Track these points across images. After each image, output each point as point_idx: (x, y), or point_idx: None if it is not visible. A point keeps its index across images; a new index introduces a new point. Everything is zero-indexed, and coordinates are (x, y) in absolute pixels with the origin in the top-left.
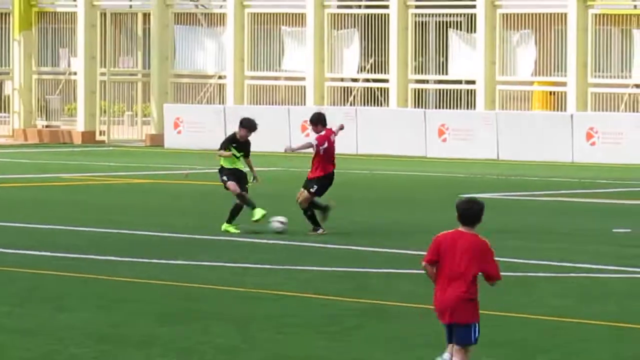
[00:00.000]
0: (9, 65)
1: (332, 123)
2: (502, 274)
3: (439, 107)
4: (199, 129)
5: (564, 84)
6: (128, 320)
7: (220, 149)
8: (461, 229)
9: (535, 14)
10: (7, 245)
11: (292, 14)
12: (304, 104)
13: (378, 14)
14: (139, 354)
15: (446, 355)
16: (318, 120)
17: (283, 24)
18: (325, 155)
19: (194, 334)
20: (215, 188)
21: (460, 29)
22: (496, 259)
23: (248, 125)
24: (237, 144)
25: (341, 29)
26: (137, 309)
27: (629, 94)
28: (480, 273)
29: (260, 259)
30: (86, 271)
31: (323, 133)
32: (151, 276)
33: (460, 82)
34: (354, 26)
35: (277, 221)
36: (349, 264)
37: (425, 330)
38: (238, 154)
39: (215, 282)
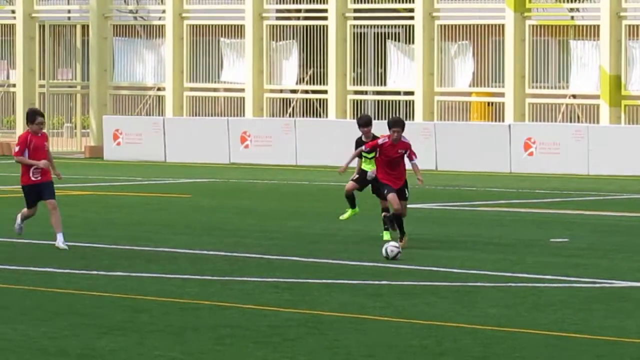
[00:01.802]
0: None
1: (272, 133)
2: (439, 284)
3: (378, 119)
4: (138, 141)
5: (501, 95)
6: (67, 333)
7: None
8: None
9: (473, 25)
10: None
11: (231, 26)
12: (243, 115)
13: (316, 26)
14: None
15: None
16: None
17: (222, 36)
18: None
19: (133, 346)
20: (154, 199)
21: (399, 40)
22: (433, 268)
23: (363, 121)
24: (363, 144)
25: (280, 40)
26: (76, 321)
27: (566, 105)
28: None
29: (199, 270)
30: (25, 283)
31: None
32: (90, 288)
33: (398, 93)
34: (293, 38)
35: (392, 246)
36: (289, 275)
37: (365, 341)
38: (369, 156)
39: (154, 293)
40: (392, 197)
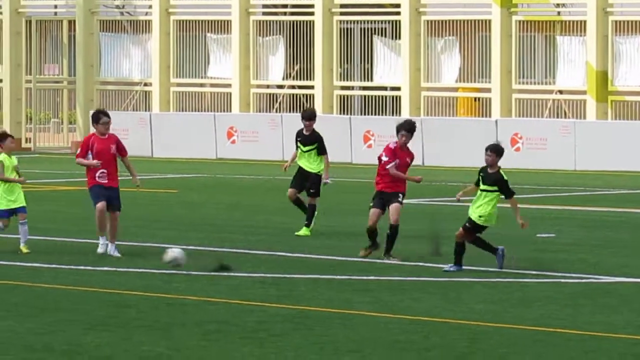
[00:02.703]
0: None
1: (258, 128)
2: (426, 279)
3: (364, 114)
4: (124, 136)
5: (488, 90)
6: (53, 328)
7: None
8: None
9: (460, 21)
10: None
11: (218, 21)
12: (230, 111)
13: (303, 21)
14: None
15: None
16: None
17: (208, 31)
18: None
19: (119, 342)
20: (141, 195)
21: (385, 36)
22: (420, 264)
23: (307, 114)
24: (302, 137)
25: (266, 35)
26: (62, 317)
27: (553, 100)
28: None
29: (186, 265)
30: (10, 278)
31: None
32: (76, 283)
33: (385, 88)
34: (280, 33)
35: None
36: (275, 270)
37: (352, 336)
38: (304, 149)
39: (140, 288)
40: (372, 212)
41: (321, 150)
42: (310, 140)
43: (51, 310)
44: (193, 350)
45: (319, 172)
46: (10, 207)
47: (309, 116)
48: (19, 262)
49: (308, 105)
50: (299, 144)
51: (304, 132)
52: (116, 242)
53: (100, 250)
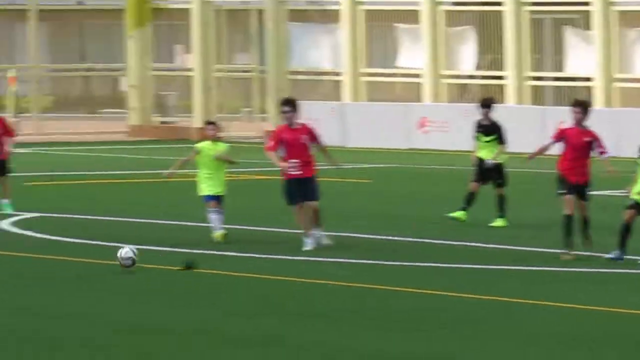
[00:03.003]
0: (124, 62)
1: (450, 119)
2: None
3: (557, 104)
4: (316, 126)
5: None
6: (249, 318)
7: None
8: None
9: None
10: (145, 241)
11: (406, 11)
12: (420, 101)
13: (493, 11)
14: (229, 350)
15: None
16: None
17: (397, 21)
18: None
19: (321, 334)
20: (333, 184)
21: (576, 27)
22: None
23: (484, 103)
24: (483, 127)
25: (456, 25)
26: (259, 306)
27: None
28: None
29: (378, 255)
30: (207, 267)
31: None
32: (271, 272)
33: (577, 79)
34: (469, 23)
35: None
36: (470, 261)
37: (556, 327)
38: (486, 139)
39: (337, 278)
40: (567, 199)
41: (502, 139)
42: (492, 129)
43: (246, 298)
44: (402, 340)
45: (501, 162)
46: (212, 192)
47: (487, 104)
48: (211, 250)
49: (499, 95)
50: (479, 134)
51: (484, 121)
52: (293, 230)
53: (306, 247)
